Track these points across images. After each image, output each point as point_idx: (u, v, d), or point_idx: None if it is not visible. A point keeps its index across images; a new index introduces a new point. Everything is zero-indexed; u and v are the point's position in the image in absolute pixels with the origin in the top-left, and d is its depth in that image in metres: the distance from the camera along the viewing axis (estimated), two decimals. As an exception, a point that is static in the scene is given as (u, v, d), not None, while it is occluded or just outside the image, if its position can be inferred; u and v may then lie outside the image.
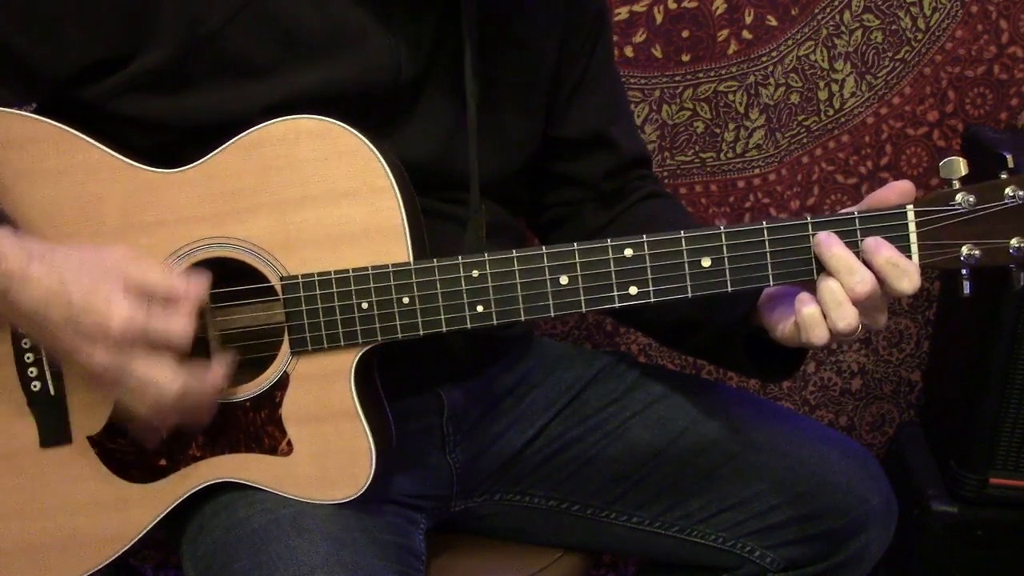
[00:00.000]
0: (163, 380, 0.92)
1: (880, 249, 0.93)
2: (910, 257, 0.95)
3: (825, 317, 0.94)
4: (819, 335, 0.94)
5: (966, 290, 0.96)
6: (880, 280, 0.93)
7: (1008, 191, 0.93)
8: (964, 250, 0.95)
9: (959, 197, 0.94)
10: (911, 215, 0.95)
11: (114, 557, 1.05)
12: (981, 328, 1.56)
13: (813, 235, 0.95)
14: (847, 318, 0.92)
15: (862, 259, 0.94)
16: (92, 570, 1.05)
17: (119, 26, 0.98)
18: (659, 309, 1.07)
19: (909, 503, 1.63)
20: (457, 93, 1.09)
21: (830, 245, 0.94)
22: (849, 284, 0.93)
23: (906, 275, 0.93)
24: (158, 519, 1.05)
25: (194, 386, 0.94)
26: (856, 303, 0.93)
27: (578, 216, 1.26)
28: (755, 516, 1.19)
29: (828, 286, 0.93)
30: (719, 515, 1.20)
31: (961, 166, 0.94)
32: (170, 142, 1.01)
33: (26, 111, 1.03)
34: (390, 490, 1.15)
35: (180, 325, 0.93)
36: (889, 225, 0.95)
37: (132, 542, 1.05)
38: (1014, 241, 0.94)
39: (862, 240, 0.94)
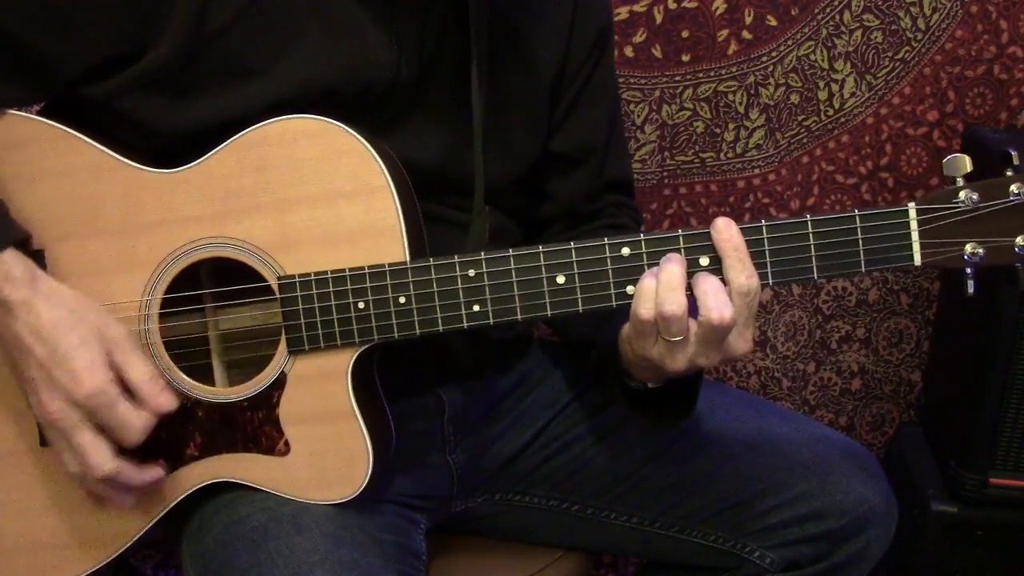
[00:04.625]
0: (97, 460, 0.96)
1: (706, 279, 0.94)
2: (912, 257, 0.95)
3: (656, 295, 0.94)
4: (646, 308, 0.94)
5: (970, 289, 0.95)
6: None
7: (1013, 188, 0.92)
8: (968, 248, 0.94)
9: (962, 195, 0.93)
10: (912, 213, 0.94)
11: (114, 556, 1.05)
12: (981, 328, 1.56)
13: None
14: (674, 303, 0.92)
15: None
16: (92, 569, 1.05)
17: (133, 22, 0.98)
18: (561, 324, 1.07)
19: (909, 503, 1.62)
20: (461, 97, 1.09)
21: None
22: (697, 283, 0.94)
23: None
24: (157, 518, 1.05)
25: (125, 476, 0.98)
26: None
27: (543, 234, 1.26)
28: (755, 516, 1.18)
29: (670, 268, 0.94)
30: (719, 515, 1.20)
31: (965, 164, 0.93)
32: (172, 142, 1.01)
33: (26, 112, 1.03)
34: (390, 490, 1.14)
35: (139, 424, 0.96)
36: (890, 224, 0.94)
37: (132, 541, 1.05)
38: (1019, 239, 0.93)
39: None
